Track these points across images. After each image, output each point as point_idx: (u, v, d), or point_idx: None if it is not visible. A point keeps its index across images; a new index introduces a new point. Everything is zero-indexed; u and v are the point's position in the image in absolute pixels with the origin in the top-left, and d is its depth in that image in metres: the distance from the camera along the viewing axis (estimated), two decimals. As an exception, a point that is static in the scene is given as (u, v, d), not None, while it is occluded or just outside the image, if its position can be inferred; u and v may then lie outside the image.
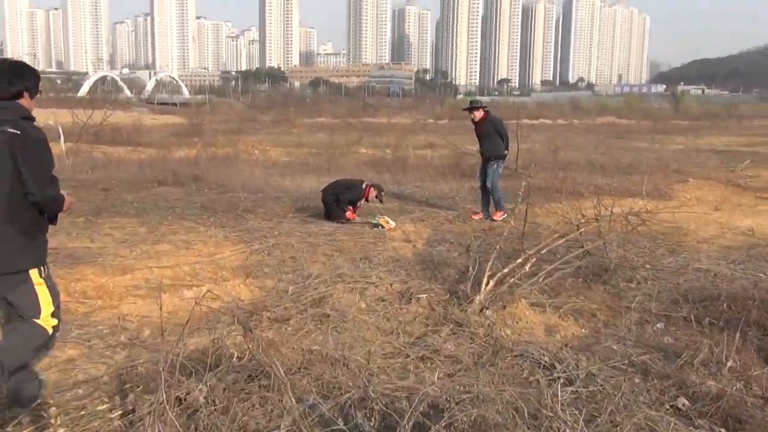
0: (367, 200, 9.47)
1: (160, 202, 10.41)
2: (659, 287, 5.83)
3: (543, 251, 5.88)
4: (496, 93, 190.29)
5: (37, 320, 3.31)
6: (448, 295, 5.50)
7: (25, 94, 3.32)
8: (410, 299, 5.41)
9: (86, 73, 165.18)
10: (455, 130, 29.10)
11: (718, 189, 13.56)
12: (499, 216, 9.54)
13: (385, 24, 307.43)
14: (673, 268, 6.72)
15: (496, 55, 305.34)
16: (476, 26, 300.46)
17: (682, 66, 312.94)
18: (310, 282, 5.92)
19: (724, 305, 5.15)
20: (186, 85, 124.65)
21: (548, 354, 4.00)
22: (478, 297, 5.03)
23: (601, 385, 3.64)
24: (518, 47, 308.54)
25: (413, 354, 4.14)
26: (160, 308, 3.68)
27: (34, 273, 3.28)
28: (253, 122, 44.57)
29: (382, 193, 9.66)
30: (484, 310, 4.92)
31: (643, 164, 16.95)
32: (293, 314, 5.02)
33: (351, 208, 9.28)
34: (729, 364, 3.82)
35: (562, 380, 3.66)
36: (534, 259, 5.68)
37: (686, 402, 3.45)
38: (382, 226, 8.71)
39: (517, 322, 4.78)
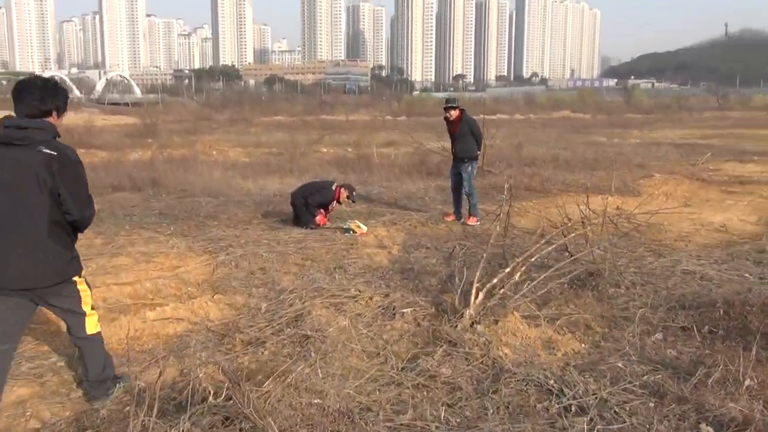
0: (339, 202, 9.03)
1: (116, 209, 9.81)
2: (652, 294, 5.58)
3: (532, 259, 5.56)
4: (452, 89, 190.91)
5: (84, 324, 3.51)
6: (433, 308, 5.14)
7: (54, 113, 3.31)
8: (394, 314, 5.03)
9: (33, 74, 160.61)
10: (415, 128, 28.82)
11: (684, 184, 13.54)
12: (473, 221, 9.24)
13: (340, 21, 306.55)
14: (659, 271, 6.49)
15: (451, 51, 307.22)
16: (431, 22, 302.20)
17: (632, 60, 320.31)
18: (284, 297, 5.49)
19: (721, 312, 4.92)
20: (137, 85, 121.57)
21: (553, 377, 3.67)
22: (468, 311, 4.69)
23: (616, 412, 3.33)
24: (473, 43, 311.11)
25: (407, 382, 3.76)
26: (126, 339, 3.24)
27: (76, 278, 3.46)
28: (208, 121, 43.44)
29: (354, 193, 9.21)
30: (475, 326, 4.59)
31: (607, 159, 16.94)
32: (269, 335, 4.61)
33: (322, 212, 8.83)
34: (747, 383, 3.56)
35: (573, 409, 3.35)
36: (523, 268, 5.37)
37: (710, 429, 3.16)
38: (354, 231, 8.30)
39: (512, 339, 4.45)
